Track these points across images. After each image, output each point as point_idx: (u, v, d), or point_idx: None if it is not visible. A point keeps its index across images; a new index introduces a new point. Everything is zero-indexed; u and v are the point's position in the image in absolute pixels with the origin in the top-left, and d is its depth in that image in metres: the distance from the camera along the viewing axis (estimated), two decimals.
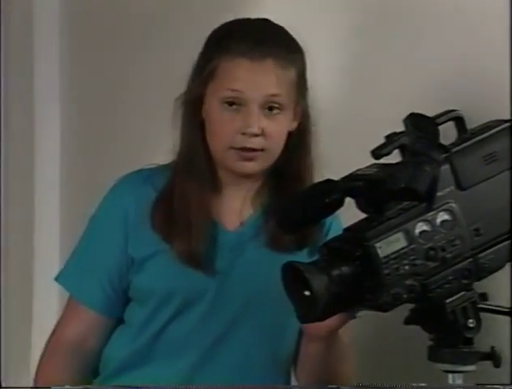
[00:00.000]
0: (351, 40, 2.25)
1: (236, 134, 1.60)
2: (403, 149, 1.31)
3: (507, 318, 1.73)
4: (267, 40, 1.62)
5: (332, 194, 1.27)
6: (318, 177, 1.68)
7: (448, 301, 1.27)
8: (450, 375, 1.32)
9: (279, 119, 1.62)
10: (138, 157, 2.37)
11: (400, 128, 1.38)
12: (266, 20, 1.68)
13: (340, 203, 1.28)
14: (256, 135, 1.60)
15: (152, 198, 1.69)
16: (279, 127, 1.63)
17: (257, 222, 1.70)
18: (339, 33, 2.28)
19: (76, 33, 2.80)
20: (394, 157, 1.42)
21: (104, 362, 1.76)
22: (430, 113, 1.41)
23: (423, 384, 1.43)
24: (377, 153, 1.28)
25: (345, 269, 1.24)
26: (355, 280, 1.24)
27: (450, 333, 1.29)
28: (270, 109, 1.61)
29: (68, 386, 1.59)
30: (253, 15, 1.78)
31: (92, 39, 2.77)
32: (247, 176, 1.67)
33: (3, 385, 1.43)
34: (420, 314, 1.31)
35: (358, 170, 1.29)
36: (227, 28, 1.67)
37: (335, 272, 1.24)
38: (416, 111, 1.38)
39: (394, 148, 1.30)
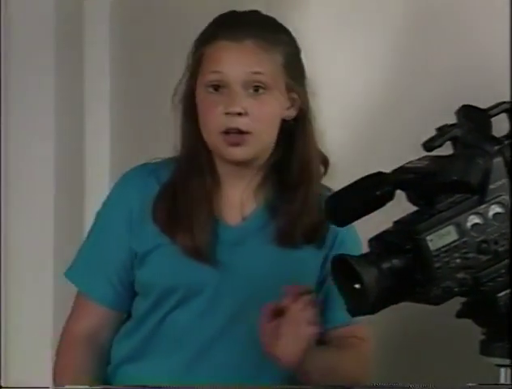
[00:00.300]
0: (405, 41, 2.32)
1: (220, 115, 1.59)
2: (454, 141, 1.29)
3: None
4: (249, 24, 1.63)
5: (383, 186, 1.25)
6: (328, 170, 1.72)
7: (500, 294, 1.25)
8: (503, 369, 1.30)
9: (265, 100, 1.61)
10: None
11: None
12: (254, 11, 1.69)
13: (391, 196, 1.27)
14: (240, 114, 1.59)
15: (156, 192, 1.70)
16: (265, 108, 1.61)
17: (261, 217, 1.69)
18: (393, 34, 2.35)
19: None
20: (446, 149, 1.41)
21: (111, 354, 1.77)
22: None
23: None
24: (428, 145, 1.26)
25: (396, 262, 1.22)
26: (405, 273, 1.23)
27: (503, 327, 1.27)
28: (256, 90, 1.60)
29: (68, 386, 1.57)
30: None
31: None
32: (241, 164, 1.65)
33: (3, 385, 1.39)
34: (472, 307, 1.29)
35: (409, 163, 1.27)
36: (212, 21, 1.69)
37: (386, 265, 1.22)
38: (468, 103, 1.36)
39: (446, 140, 1.28)
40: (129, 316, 1.78)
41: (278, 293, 1.58)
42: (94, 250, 1.76)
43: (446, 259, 1.23)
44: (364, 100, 2.40)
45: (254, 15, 1.69)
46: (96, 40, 2.81)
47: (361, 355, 1.73)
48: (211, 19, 1.78)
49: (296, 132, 1.67)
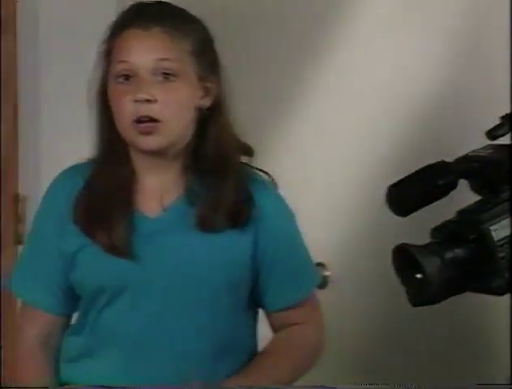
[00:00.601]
0: None
1: (130, 103, 1.59)
2: None
3: None
4: (157, 13, 1.63)
5: (446, 175, 1.26)
6: (252, 157, 1.73)
7: None
8: None
9: (175, 87, 1.60)
10: None
11: None
12: (164, 2, 1.70)
13: (454, 185, 1.26)
14: (149, 101, 1.58)
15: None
16: (174, 95, 1.61)
17: (181, 206, 1.67)
18: None
19: None
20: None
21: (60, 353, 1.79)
22: None
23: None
24: (492, 134, 1.26)
25: (459, 252, 1.22)
26: (468, 264, 1.22)
27: None
28: (165, 77, 1.60)
29: (67, 386, 1.56)
30: None
31: None
32: (156, 154, 1.64)
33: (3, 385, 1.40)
34: None
35: (472, 152, 1.27)
36: (121, 14, 1.69)
37: (448, 255, 1.22)
38: None
39: (511, 129, 1.27)
40: None
41: (206, 280, 1.63)
42: (30, 259, 1.78)
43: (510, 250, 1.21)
44: (422, 102, 2.42)
45: (163, 6, 1.69)
46: None
47: (297, 351, 1.74)
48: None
49: (210, 121, 1.67)
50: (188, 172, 1.68)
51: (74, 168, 1.73)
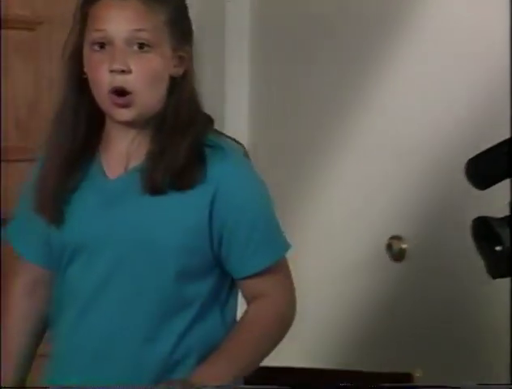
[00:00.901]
0: None
1: (106, 73, 1.62)
2: None
3: None
4: None
5: None
6: (213, 126, 1.74)
7: None
8: None
9: (150, 58, 1.63)
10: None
11: None
12: None
13: None
14: (123, 72, 1.61)
15: None
16: (149, 66, 1.63)
17: (140, 169, 1.69)
18: None
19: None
20: None
21: None
22: None
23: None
24: None
25: None
26: None
27: None
28: (140, 47, 1.62)
29: (67, 386, 1.57)
30: None
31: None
32: (129, 124, 1.68)
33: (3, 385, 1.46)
34: None
35: None
36: None
37: None
38: None
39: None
40: None
41: (156, 243, 1.65)
42: (22, 215, 1.82)
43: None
44: None
45: None
46: (236, 31, 2.96)
47: (269, 324, 1.73)
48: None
49: (178, 88, 1.70)
50: (153, 138, 1.71)
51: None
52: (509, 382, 1.35)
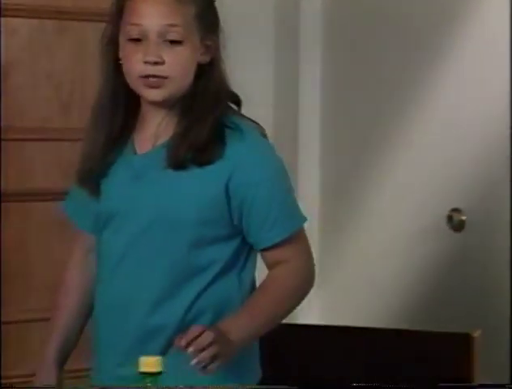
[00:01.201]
0: None
1: (139, 63, 1.69)
2: None
3: None
4: None
5: None
6: (240, 105, 1.81)
7: None
8: None
9: (180, 50, 1.70)
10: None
11: None
12: None
13: None
14: (156, 63, 1.69)
15: None
16: (180, 57, 1.71)
17: (165, 147, 1.76)
18: None
19: None
20: None
21: None
22: None
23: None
24: None
25: None
26: None
27: None
28: (172, 41, 1.70)
29: (67, 387, 1.55)
30: None
31: None
32: (159, 103, 1.75)
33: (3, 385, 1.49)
34: None
35: None
36: None
37: None
38: None
39: None
40: None
41: (176, 214, 1.72)
42: (76, 190, 1.89)
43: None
44: None
45: None
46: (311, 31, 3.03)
47: (290, 287, 1.76)
48: None
49: (205, 73, 1.76)
50: (180, 118, 1.78)
51: None
52: (510, 383, 1.51)
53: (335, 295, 3.09)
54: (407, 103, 2.89)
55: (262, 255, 1.76)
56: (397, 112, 2.94)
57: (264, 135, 1.80)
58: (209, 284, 1.74)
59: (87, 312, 1.88)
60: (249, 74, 2.83)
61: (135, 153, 1.79)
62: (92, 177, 1.78)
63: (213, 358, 1.59)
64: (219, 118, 1.75)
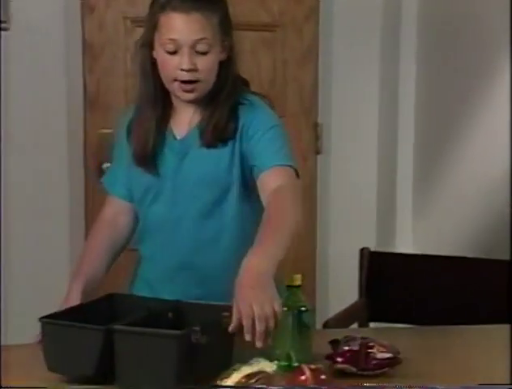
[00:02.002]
0: None
1: (175, 70, 1.76)
2: None
3: None
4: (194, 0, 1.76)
5: None
6: (249, 86, 1.92)
7: None
8: None
9: (208, 57, 1.77)
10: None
11: None
12: None
13: None
14: (190, 70, 1.75)
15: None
16: (208, 63, 1.78)
17: (196, 131, 1.84)
18: None
19: None
20: None
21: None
22: None
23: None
24: None
25: None
26: None
27: None
28: (200, 50, 1.76)
29: (68, 386, 1.53)
30: None
31: None
32: (191, 101, 1.84)
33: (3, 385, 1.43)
34: None
35: None
36: None
37: None
38: None
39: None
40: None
41: (211, 182, 1.82)
42: (114, 167, 2.00)
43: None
44: None
45: None
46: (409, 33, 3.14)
47: (290, 206, 1.75)
48: None
49: (224, 69, 1.82)
50: (207, 105, 1.84)
51: (129, 108, 1.95)
52: (510, 383, 1.43)
53: (427, 229, 3.22)
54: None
55: (260, 181, 1.79)
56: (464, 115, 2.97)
57: (270, 106, 1.89)
58: (231, 215, 1.85)
59: (113, 257, 1.94)
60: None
61: (175, 138, 1.87)
62: (148, 159, 1.85)
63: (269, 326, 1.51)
64: (235, 99, 1.84)
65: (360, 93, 3.15)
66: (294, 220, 1.71)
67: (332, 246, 3.23)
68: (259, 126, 1.83)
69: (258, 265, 1.58)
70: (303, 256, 3.16)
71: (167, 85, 1.82)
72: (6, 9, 2.73)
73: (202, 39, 1.76)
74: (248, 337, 1.50)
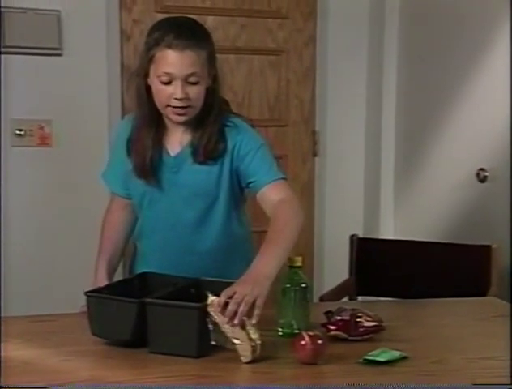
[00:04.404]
0: None
1: (169, 98, 1.69)
2: None
3: None
4: (189, 37, 1.67)
5: None
6: (230, 106, 1.83)
7: None
8: None
9: (198, 87, 1.70)
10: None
11: None
12: (190, 19, 1.75)
13: None
14: (182, 99, 1.68)
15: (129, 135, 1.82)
16: (198, 92, 1.70)
17: (188, 149, 1.76)
18: None
19: None
20: None
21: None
22: None
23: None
24: None
25: None
26: None
27: None
28: (191, 81, 1.68)
29: (69, 386, 1.37)
30: None
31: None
32: (182, 123, 1.76)
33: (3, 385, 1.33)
34: None
35: None
36: (158, 26, 1.73)
37: None
38: None
39: None
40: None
41: (202, 194, 1.75)
42: (111, 161, 1.90)
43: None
44: None
45: (192, 28, 1.71)
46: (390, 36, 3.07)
47: (293, 219, 1.67)
48: None
49: (209, 94, 1.74)
50: (195, 127, 1.76)
51: (131, 117, 1.85)
52: (510, 383, 1.31)
53: (406, 219, 3.16)
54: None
55: (262, 196, 1.72)
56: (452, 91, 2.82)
57: (251, 125, 1.80)
58: (221, 224, 1.79)
59: (125, 244, 1.89)
60: None
61: (169, 155, 1.79)
62: (147, 172, 1.77)
63: (251, 306, 1.45)
64: (220, 123, 1.76)
65: (350, 106, 3.17)
66: (297, 228, 1.66)
67: (327, 234, 3.22)
68: (249, 146, 1.76)
69: (264, 267, 1.54)
70: (303, 242, 3.15)
71: (161, 109, 1.75)
72: (60, 38, 2.74)
73: (193, 73, 1.69)
74: (223, 313, 1.46)
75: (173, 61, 1.67)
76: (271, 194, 1.72)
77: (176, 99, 1.69)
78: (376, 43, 3.15)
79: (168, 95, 1.70)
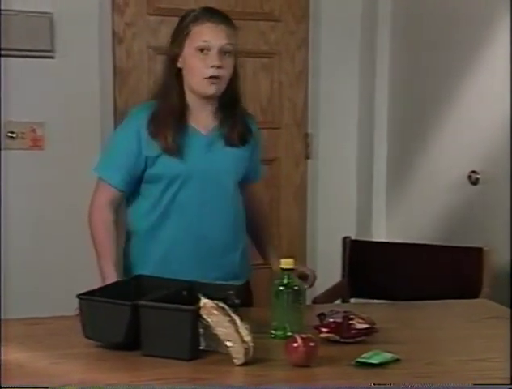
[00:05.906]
0: None
1: (207, 67, 1.80)
2: None
3: None
4: (220, 15, 1.86)
5: None
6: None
7: None
8: None
9: (231, 58, 1.84)
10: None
11: None
12: (218, 10, 1.90)
13: None
14: (218, 67, 1.80)
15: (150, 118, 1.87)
16: (230, 62, 1.83)
17: (218, 131, 1.87)
18: None
19: None
20: None
21: (134, 226, 1.90)
22: None
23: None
24: None
25: None
26: None
27: None
28: (225, 53, 1.82)
29: (70, 386, 1.37)
30: None
31: None
32: (209, 99, 1.84)
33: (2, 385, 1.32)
34: None
35: None
36: (191, 11, 1.87)
37: None
38: None
39: None
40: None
41: (231, 172, 1.87)
42: (112, 154, 1.88)
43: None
44: None
45: (221, 12, 1.87)
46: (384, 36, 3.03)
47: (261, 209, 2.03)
48: None
49: (233, 79, 1.86)
50: (220, 109, 1.88)
51: (148, 104, 1.90)
52: (510, 383, 1.31)
53: (398, 221, 3.11)
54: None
55: (250, 189, 1.97)
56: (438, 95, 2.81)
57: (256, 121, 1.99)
58: (236, 211, 1.92)
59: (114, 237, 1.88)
60: None
61: (200, 133, 1.87)
62: (175, 147, 1.81)
63: None
64: (243, 112, 1.91)
65: (342, 109, 3.18)
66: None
67: (320, 236, 3.22)
68: (260, 141, 1.95)
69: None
70: (296, 244, 3.17)
71: (196, 84, 1.82)
72: (53, 40, 2.73)
73: (227, 44, 1.82)
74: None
75: (211, 31, 1.80)
76: (257, 190, 1.99)
77: (213, 66, 1.79)
78: (368, 46, 3.16)
79: (204, 64, 1.79)
